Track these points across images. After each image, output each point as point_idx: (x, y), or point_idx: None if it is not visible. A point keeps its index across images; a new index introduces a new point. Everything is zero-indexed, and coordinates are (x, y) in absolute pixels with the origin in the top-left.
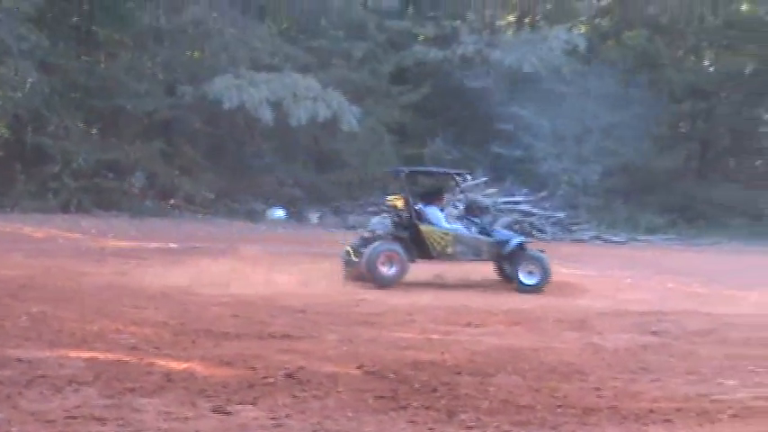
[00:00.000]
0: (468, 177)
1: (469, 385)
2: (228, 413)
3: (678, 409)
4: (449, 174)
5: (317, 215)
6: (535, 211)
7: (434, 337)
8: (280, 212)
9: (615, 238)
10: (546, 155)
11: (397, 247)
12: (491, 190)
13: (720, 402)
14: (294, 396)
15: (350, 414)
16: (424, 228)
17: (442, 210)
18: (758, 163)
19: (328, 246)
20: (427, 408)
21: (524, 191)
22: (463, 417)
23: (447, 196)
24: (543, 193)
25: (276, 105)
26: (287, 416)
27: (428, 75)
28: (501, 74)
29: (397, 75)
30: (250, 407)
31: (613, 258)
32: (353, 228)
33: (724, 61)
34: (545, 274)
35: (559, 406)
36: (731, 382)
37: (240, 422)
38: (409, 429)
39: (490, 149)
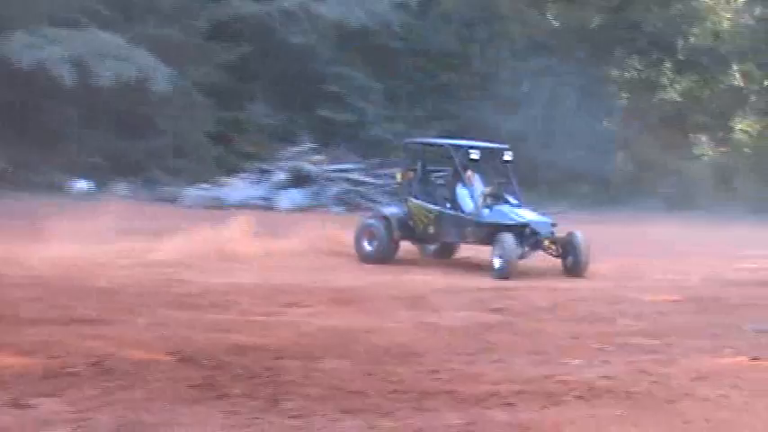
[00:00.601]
0: (508, 155)
1: (295, 370)
2: (27, 406)
3: (520, 392)
4: (454, 146)
5: (126, 187)
6: (366, 179)
7: (256, 318)
8: (83, 184)
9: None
10: (378, 118)
11: (379, 224)
12: (318, 157)
13: (565, 383)
14: (101, 387)
15: (162, 405)
16: (411, 204)
17: (465, 187)
18: (605, 125)
19: (142, 220)
20: (248, 396)
21: (354, 158)
22: (288, 405)
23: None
24: (375, 160)
25: (78, 65)
26: (92, 408)
27: (247, 31)
28: (327, 30)
29: (212, 31)
30: (52, 399)
31: None
32: (173, 201)
33: (568, 15)
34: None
35: (393, 391)
36: (577, 362)
37: (40, 416)
38: (228, 420)
39: (317, 113)
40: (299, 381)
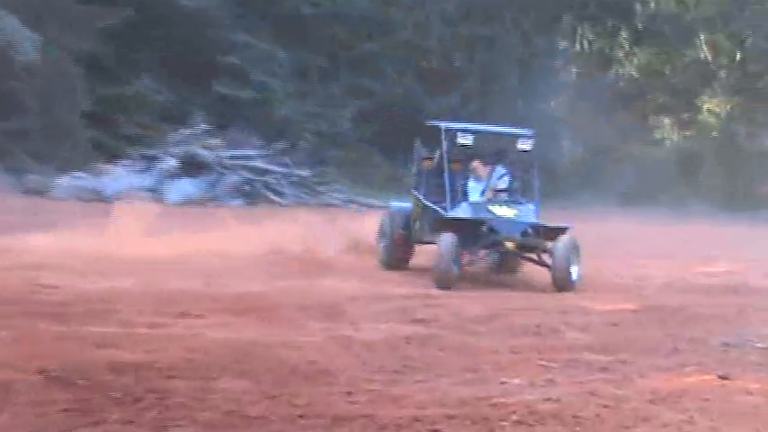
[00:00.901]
0: (526, 144)
1: (185, 392)
2: None
3: (450, 416)
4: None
5: None
6: (272, 167)
7: (140, 331)
8: None
9: (375, 202)
10: (284, 95)
11: (386, 221)
12: (213, 141)
13: (503, 406)
14: None
15: None
16: (411, 197)
17: (475, 179)
18: (552, 104)
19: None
20: (130, 422)
21: (257, 142)
22: None
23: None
24: (282, 145)
25: None
26: None
27: None
28: None
29: None
30: None
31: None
32: (42, 193)
33: None
34: None
35: (301, 416)
36: (516, 381)
37: None
38: None
39: (212, 89)
40: (189, 404)
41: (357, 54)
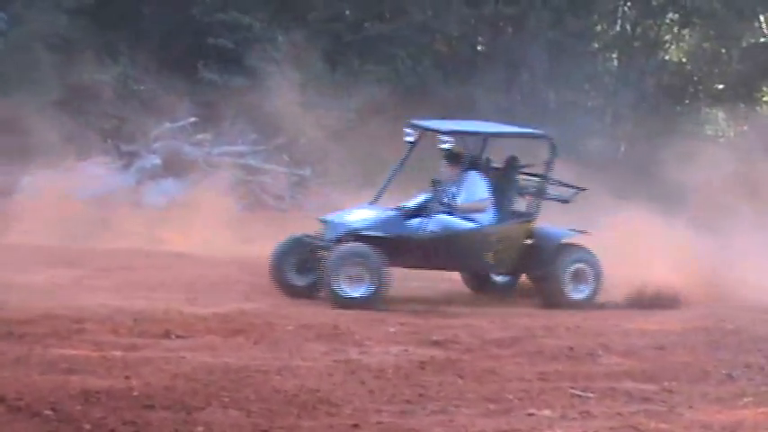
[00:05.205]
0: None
1: (167, 424)
2: None
3: None
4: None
5: None
6: (268, 166)
7: (115, 354)
8: None
9: None
10: (282, 82)
11: None
12: (201, 136)
13: None
14: None
15: None
16: None
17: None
18: (588, 94)
19: None
20: None
21: (252, 137)
22: None
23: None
24: (280, 140)
25: None
26: None
27: None
28: None
29: None
30: None
31: None
32: (6, 193)
33: None
34: None
35: None
36: (546, 413)
37: None
38: None
39: (200, 76)
40: None
41: (365, 35)
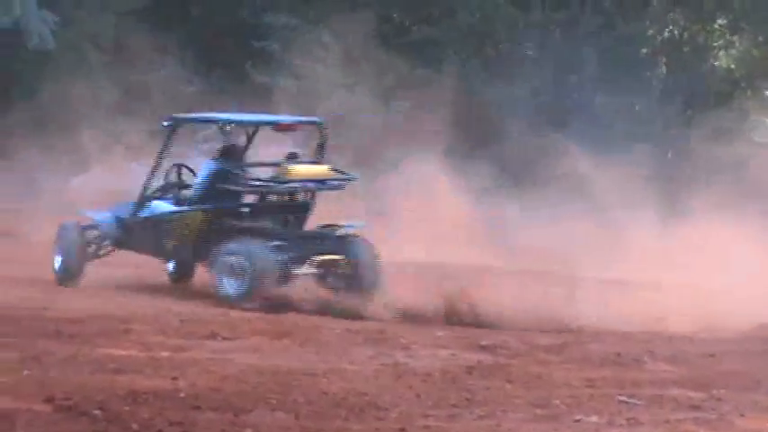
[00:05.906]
0: None
1: (214, 426)
2: None
3: None
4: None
5: None
6: None
7: (162, 354)
8: None
9: None
10: (329, 84)
11: None
12: None
13: None
14: None
15: None
16: None
17: None
18: (636, 99)
19: None
20: None
21: (299, 139)
22: None
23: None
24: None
25: None
26: None
27: None
28: None
29: None
30: None
31: None
32: None
33: None
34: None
35: None
36: (593, 419)
37: None
38: None
39: (249, 77)
40: None
41: (411, 39)
